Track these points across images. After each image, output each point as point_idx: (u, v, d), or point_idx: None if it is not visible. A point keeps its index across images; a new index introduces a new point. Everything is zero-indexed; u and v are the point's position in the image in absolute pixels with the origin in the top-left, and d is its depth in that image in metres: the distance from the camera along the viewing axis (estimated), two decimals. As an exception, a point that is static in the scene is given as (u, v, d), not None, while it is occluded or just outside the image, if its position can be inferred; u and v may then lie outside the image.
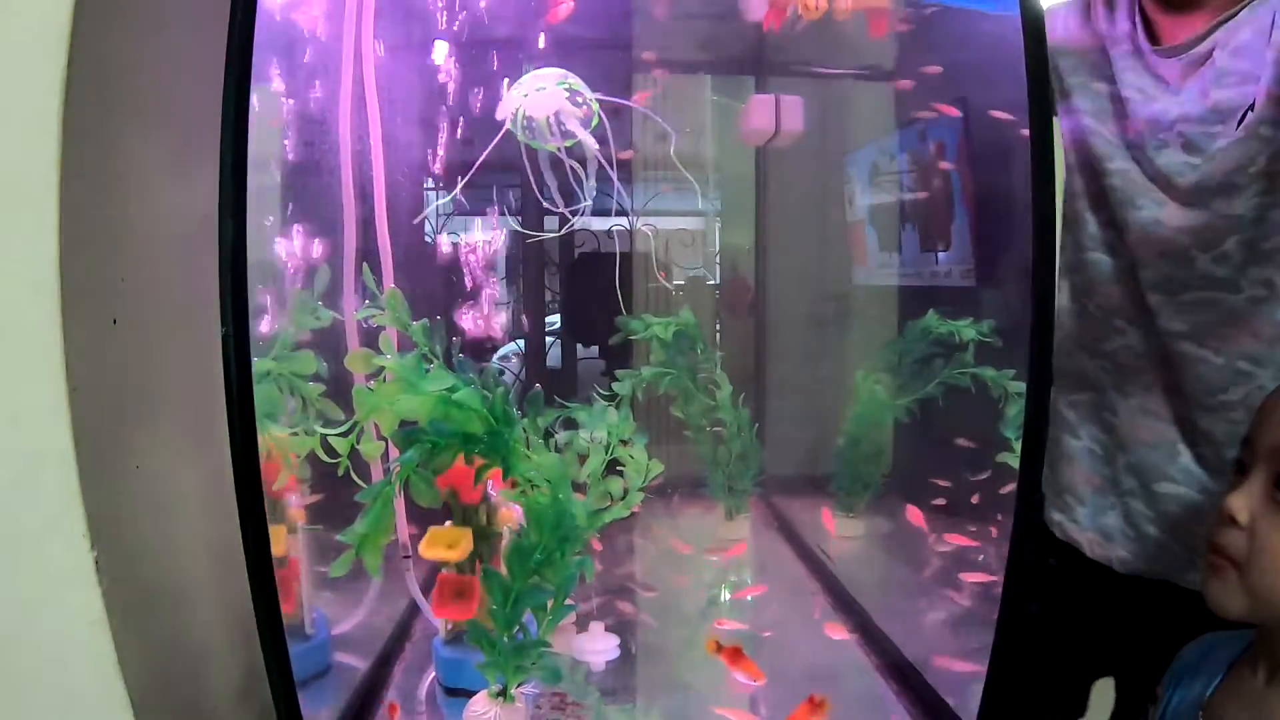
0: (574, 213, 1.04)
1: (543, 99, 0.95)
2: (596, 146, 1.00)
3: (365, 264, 1.03)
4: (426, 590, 1.19)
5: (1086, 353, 1.06)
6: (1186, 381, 0.96)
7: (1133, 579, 1.00)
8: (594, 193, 1.03)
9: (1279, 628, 0.67)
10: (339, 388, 0.98)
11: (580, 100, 0.97)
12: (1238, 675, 0.72)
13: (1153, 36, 1.03)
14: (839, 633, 1.14)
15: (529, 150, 0.99)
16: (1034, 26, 0.75)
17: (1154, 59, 1.00)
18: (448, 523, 1.02)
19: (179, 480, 0.87)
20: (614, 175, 1.02)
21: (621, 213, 1.07)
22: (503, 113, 0.97)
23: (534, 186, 1.01)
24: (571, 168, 1.00)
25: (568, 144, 0.98)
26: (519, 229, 1.87)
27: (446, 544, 1.00)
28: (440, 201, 1.05)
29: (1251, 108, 0.91)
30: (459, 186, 1.04)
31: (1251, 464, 0.68)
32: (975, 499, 1.28)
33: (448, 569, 1.01)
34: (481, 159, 1.02)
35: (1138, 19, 1.03)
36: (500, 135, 0.99)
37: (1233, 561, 0.66)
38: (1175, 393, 0.98)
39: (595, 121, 0.99)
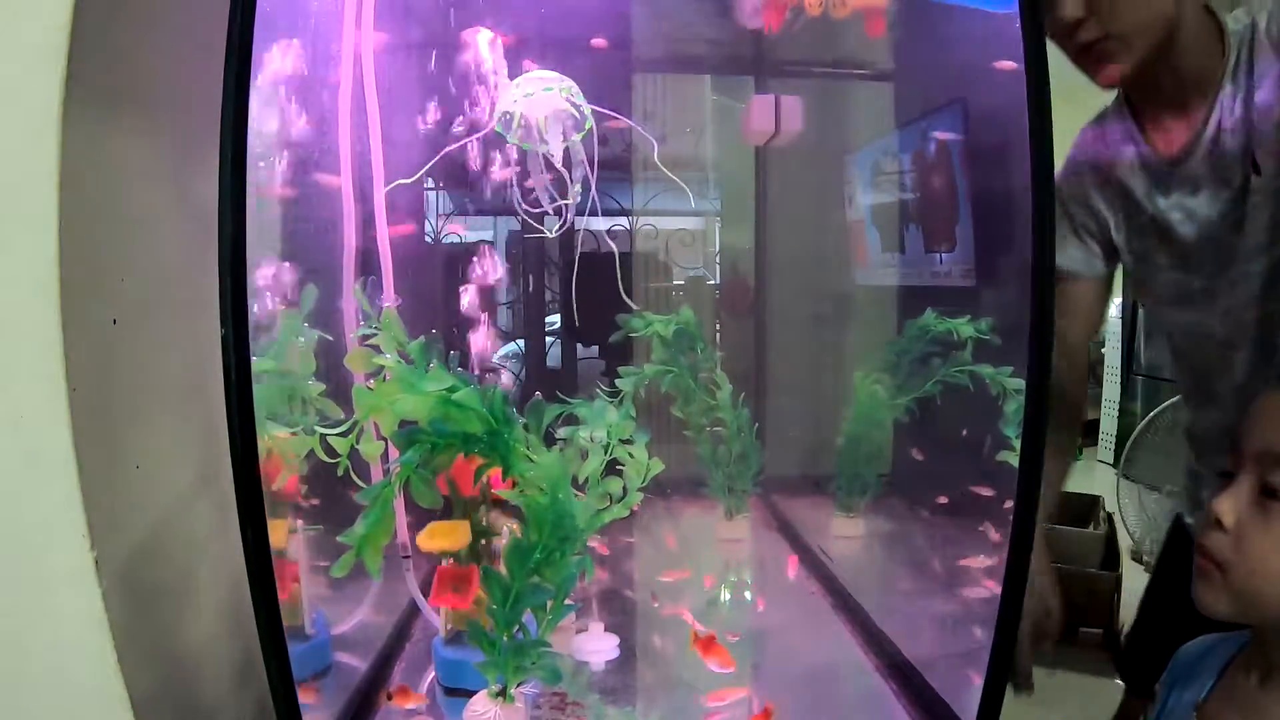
0: (556, 211, 1.04)
1: (541, 101, 0.95)
2: (583, 156, 1.00)
3: (357, 285, 1.03)
4: (426, 591, 1.19)
5: (1202, 427, 1.10)
6: None
7: None
8: (579, 197, 1.04)
9: (1269, 630, 0.68)
10: (339, 387, 0.98)
11: (576, 105, 0.97)
12: (1232, 678, 0.72)
13: (1153, 143, 1.02)
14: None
15: (519, 151, 0.99)
16: (1034, 25, 0.75)
17: (1170, 174, 1.01)
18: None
19: (179, 480, 0.87)
20: (593, 183, 1.03)
21: (585, 213, 1.07)
22: (500, 110, 0.98)
23: (515, 186, 1.02)
24: (558, 170, 1.01)
25: (545, 147, 0.98)
26: (520, 228, 1.88)
27: (445, 534, 1.00)
28: (399, 183, 1.05)
29: (1257, 169, 0.92)
30: (419, 173, 1.04)
31: (1238, 468, 0.68)
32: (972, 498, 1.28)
33: (447, 561, 1.02)
34: (444, 153, 1.02)
35: (1139, 138, 1.03)
36: (485, 132, 0.99)
37: (1219, 564, 0.66)
38: None
39: (588, 126, 1.00)
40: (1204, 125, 0.96)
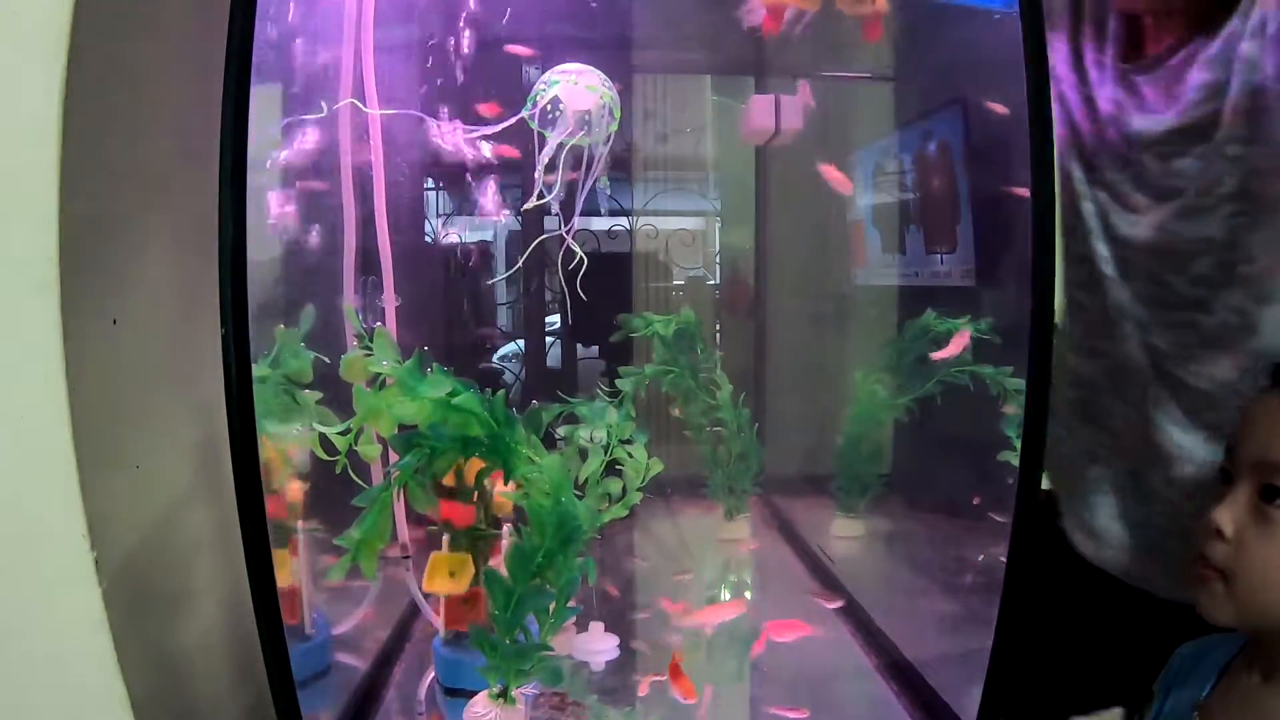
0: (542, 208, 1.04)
1: (584, 92, 0.95)
2: (604, 151, 1.00)
3: (349, 305, 1.02)
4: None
5: (1085, 356, 1.05)
6: (1171, 399, 0.95)
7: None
8: (607, 192, 1.03)
9: (1271, 634, 0.68)
10: (340, 388, 0.97)
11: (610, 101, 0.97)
12: (1233, 678, 0.72)
13: (1132, 53, 0.99)
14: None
15: (540, 141, 0.98)
16: (1034, 24, 0.74)
17: (1132, 76, 0.96)
18: (445, 538, 1.02)
19: (179, 480, 0.87)
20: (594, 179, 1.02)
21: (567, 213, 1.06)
22: (542, 99, 0.96)
23: (538, 178, 1.00)
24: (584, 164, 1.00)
25: (587, 140, 0.98)
26: (521, 229, 1.87)
27: (449, 572, 1.01)
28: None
29: (1218, 124, 0.87)
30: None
31: (1236, 475, 0.68)
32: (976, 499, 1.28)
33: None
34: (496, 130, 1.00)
35: (1115, 34, 0.98)
36: (516, 118, 0.98)
37: (1220, 573, 0.66)
38: (1163, 407, 0.97)
39: (618, 116, 0.99)
40: (1178, 47, 0.88)
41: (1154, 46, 0.94)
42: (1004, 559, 0.82)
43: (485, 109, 1.02)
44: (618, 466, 0.92)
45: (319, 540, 1.02)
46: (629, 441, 0.92)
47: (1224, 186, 0.87)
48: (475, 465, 0.84)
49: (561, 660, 0.90)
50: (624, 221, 2.06)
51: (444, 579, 1.01)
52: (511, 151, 1.01)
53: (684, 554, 1.54)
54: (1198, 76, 0.87)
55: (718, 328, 2.21)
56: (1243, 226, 0.87)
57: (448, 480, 1.00)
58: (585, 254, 1.07)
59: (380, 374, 0.81)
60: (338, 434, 0.86)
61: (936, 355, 1.36)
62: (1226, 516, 0.65)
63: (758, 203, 2.07)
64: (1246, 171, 0.85)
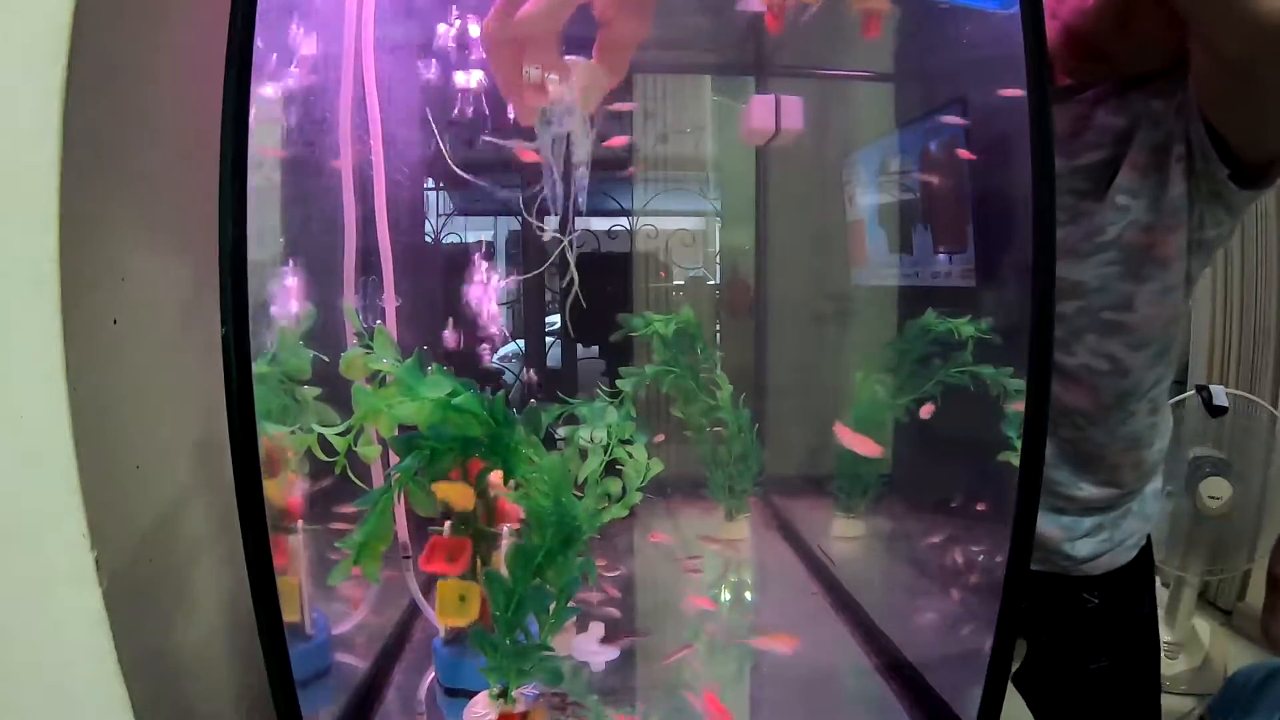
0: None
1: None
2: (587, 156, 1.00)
3: (349, 304, 1.02)
4: (427, 591, 1.19)
5: None
6: None
7: None
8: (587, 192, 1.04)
9: None
10: (339, 390, 0.97)
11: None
12: None
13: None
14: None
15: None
16: (1034, 24, 0.74)
17: None
18: (446, 524, 1.02)
19: (179, 480, 0.87)
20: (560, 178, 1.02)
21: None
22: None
23: (546, 187, 1.01)
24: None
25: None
26: (520, 228, 1.88)
27: (447, 556, 1.00)
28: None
29: (1115, 175, 0.85)
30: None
31: None
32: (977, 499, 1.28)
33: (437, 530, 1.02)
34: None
35: None
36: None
37: None
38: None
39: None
40: (1089, 86, 0.88)
41: (1060, 80, 0.93)
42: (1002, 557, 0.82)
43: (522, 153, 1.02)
44: (618, 466, 0.92)
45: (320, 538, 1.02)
46: (629, 442, 0.92)
47: (1105, 235, 0.86)
48: (475, 466, 0.85)
49: (561, 660, 0.90)
50: (624, 221, 2.07)
51: (442, 561, 1.00)
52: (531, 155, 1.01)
53: (687, 549, 1.54)
54: (1104, 119, 0.86)
55: (718, 328, 2.21)
56: (1115, 275, 0.87)
57: (452, 475, 0.99)
58: (587, 253, 1.07)
59: (379, 372, 0.81)
60: (336, 434, 0.86)
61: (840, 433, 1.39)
62: None
63: (758, 203, 2.07)
64: (1130, 224, 0.84)
